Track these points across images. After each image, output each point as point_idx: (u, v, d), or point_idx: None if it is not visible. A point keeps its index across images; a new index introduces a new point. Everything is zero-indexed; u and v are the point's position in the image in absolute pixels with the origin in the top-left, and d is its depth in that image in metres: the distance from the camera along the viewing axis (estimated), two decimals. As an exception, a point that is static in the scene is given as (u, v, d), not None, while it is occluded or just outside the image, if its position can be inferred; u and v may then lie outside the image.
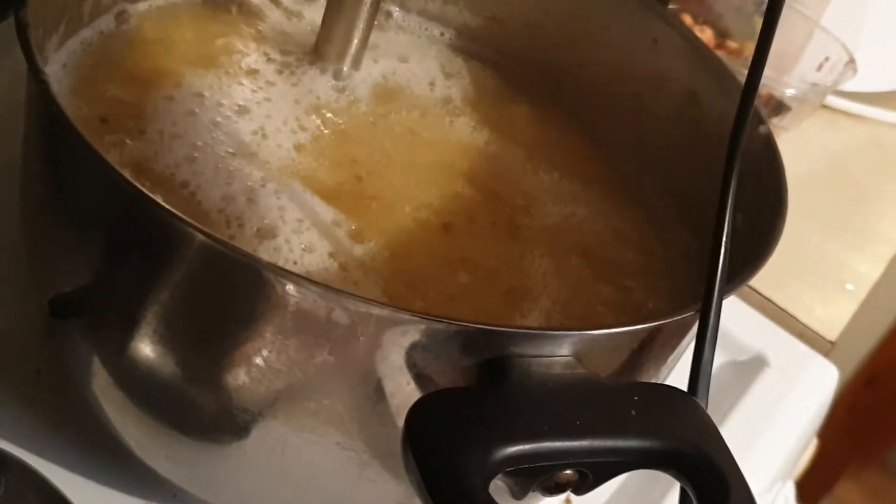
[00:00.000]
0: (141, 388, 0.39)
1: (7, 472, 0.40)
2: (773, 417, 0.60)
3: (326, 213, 0.43)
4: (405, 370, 0.34)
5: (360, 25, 0.49)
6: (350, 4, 0.48)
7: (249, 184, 0.42)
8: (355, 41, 0.50)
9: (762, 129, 0.47)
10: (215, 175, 0.42)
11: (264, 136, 0.45)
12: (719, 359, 0.63)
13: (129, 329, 0.37)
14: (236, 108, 0.46)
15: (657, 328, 0.37)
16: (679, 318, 0.37)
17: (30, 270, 0.43)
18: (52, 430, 0.45)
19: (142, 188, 0.33)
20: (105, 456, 0.45)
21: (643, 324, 0.37)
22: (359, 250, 0.42)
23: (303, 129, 0.47)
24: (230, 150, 0.44)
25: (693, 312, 0.38)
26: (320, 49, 0.50)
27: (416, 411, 0.32)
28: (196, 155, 0.43)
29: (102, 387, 0.40)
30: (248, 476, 0.39)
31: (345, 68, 0.50)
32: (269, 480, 0.39)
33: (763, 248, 0.40)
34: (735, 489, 0.33)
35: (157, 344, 0.37)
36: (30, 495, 0.40)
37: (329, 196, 0.44)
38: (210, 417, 0.38)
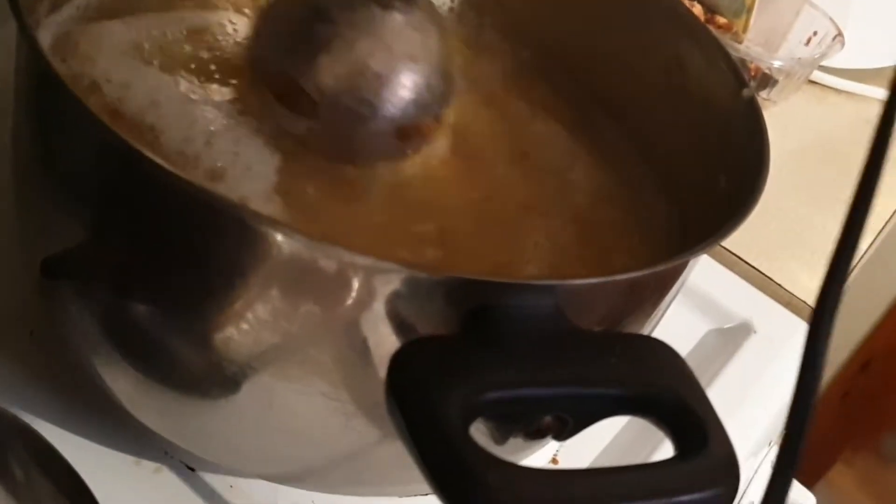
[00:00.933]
0: (131, 344, 0.39)
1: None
2: (759, 383, 0.61)
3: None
4: (389, 320, 0.34)
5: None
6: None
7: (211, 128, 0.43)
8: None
9: (745, 92, 0.47)
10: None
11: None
12: (705, 326, 0.64)
13: (119, 286, 0.38)
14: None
15: (637, 280, 0.38)
16: (657, 269, 0.37)
17: (21, 232, 0.44)
18: (46, 390, 0.46)
19: (132, 142, 0.33)
20: (97, 413, 0.45)
21: (623, 274, 0.37)
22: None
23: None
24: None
25: (670, 266, 0.38)
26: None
27: (399, 358, 0.33)
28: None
29: (94, 345, 0.41)
30: (237, 429, 0.40)
31: None
32: (257, 432, 0.40)
33: (744, 207, 0.41)
34: (713, 434, 0.34)
35: (146, 300, 0.37)
36: (22, 450, 0.41)
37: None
38: (199, 371, 0.38)
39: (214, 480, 0.46)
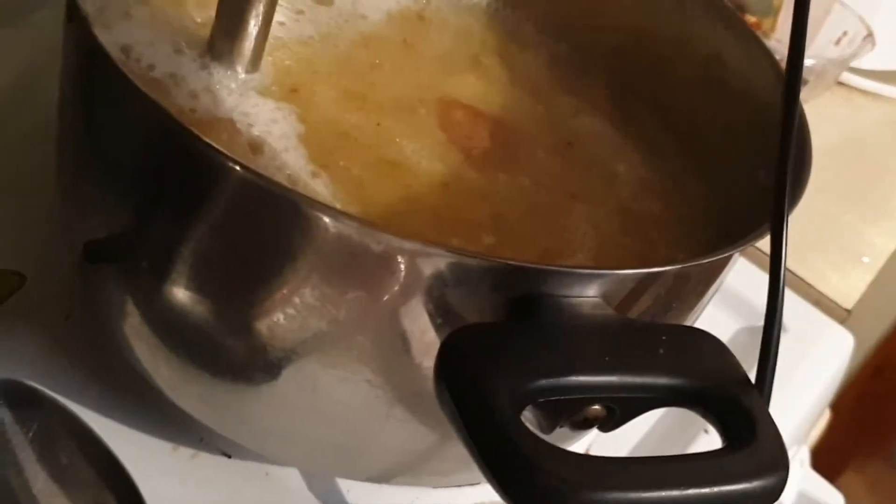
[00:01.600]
0: (174, 329, 0.39)
1: (40, 409, 0.41)
2: (788, 382, 0.61)
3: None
4: (437, 306, 0.34)
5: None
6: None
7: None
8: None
9: (786, 87, 0.47)
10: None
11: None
12: (736, 324, 0.64)
13: (163, 271, 0.38)
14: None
15: (683, 272, 0.38)
16: (703, 261, 0.38)
17: (63, 217, 0.44)
18: (83, 374, 0.46)
19: (182, 122, 0.33)
20: (135, 399, 0.45)
21: (671, 265, 0.37)
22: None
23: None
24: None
25: (716, 258, 0.38)
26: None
27: (449, 344, 0.33)
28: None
29: (135, 330, 0.41)
30: (278, 415, 0.40)
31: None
32: (298, 419, 0.40)
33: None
34: (763, 428, 0.34)
35: (190, 285, 0.37)
36: (62, 433, 0.41)
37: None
38: (242, 356, 0.38)
39: (250, 468, 0.46)
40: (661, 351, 0.35)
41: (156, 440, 0.45)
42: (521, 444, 0.30)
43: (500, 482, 0.30)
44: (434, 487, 0.47)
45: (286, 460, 0.45)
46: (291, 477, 0.46)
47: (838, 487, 1.66)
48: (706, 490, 0.31)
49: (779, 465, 0.33)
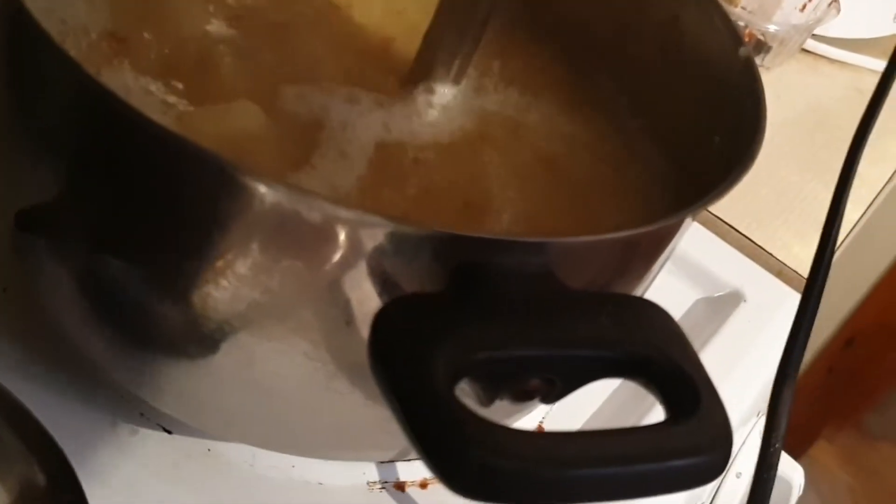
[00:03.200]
0: (108, 300, 0.38)
1: (-31, 384, 0.40)
2: (748, 352, 0.60)
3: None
4: (374, 276, 0.33)
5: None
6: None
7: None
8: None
9: (742, 51, 0.46)
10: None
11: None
12: (695, 295, 0.63)
13: (92, 239, 0.36)
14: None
15: (631, 239, 0.37)
16: (651, 228, 0.36)
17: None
18: (19, 348, 0.45)
19: (108, 87, 0.32)
20: (73, 373, 0.44)
21: (617, 233, 0.36)
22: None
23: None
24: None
25: (665, 225, 0.37)
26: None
27: (383, 315, 0.32)
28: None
29: (69, 301, 0.40)
30: (215, 389, 0.39)
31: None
32: (236, 393, 0.39)
33: (741, 165, 0.39)
34: (706, 398, 0.33)
35: (121, 254, 0.36)
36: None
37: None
38: (177, 329, 0.37)
39: (192, 444, 0.45)
40: (604, 321, 0.34)
41: (94, 415, 0.44)
42: (453, 418, 0.29)
43: (430, 456, 0.29)
44: (380, 461, 0.47)
45: (226, 435, 0.44)
46: (233, 452, 0.45)
47: (810, 458, 1.67)
48: (644, 466, 0.30)
49: (722, 439, 0.32)
